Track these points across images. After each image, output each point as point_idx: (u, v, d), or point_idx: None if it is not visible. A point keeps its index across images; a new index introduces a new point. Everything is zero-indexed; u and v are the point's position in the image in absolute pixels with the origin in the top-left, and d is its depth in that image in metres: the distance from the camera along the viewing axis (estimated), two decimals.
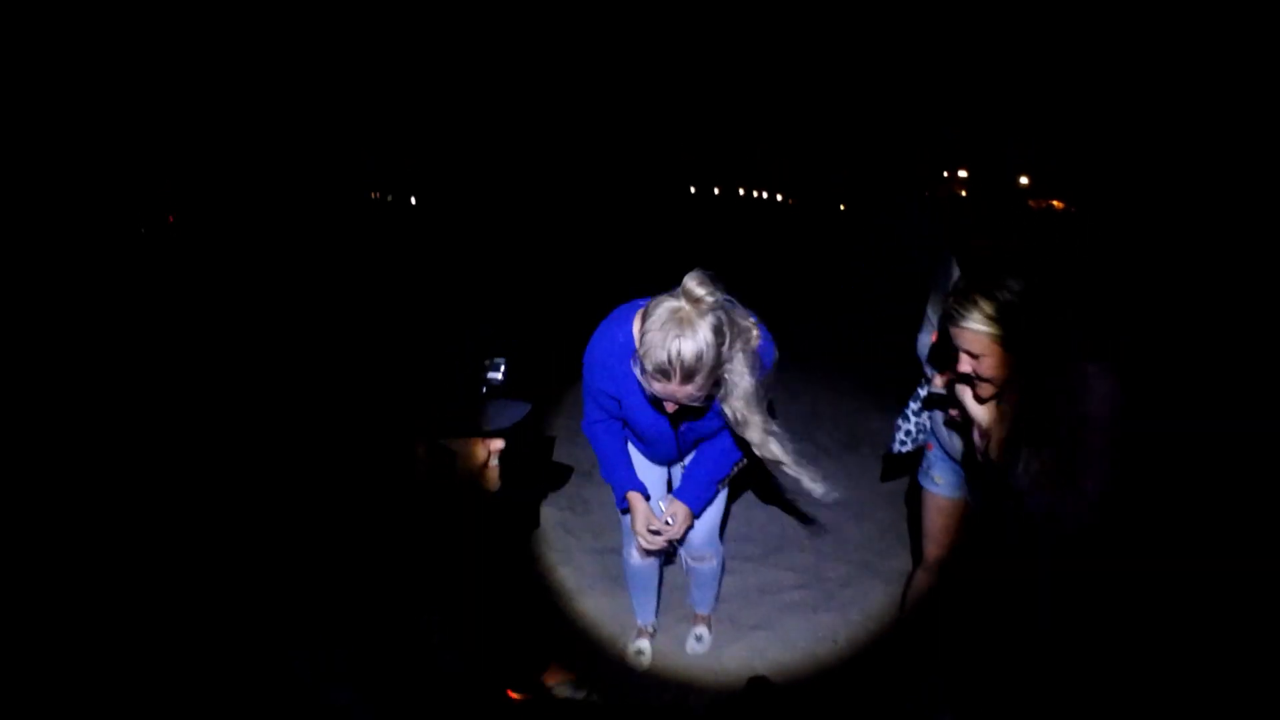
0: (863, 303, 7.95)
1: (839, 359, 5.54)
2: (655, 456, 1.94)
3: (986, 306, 1.40)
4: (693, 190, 45.48)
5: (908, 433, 2.08)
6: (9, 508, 2.74)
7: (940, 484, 1.99)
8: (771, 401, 1.55)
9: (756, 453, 1.55)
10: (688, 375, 1.31)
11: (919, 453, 2.12)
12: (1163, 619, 2.35)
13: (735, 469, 1.89)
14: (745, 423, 1.48)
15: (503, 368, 1.28)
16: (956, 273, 1.87)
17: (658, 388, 1.37)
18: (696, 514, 1.88)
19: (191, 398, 4.15)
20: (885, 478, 3.45)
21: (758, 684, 2.24)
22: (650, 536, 1.83)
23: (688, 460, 1.92)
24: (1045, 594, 1.89)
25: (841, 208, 34.45)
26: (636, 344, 1.37)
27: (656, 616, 2.38)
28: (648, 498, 1.87)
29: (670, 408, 1.48)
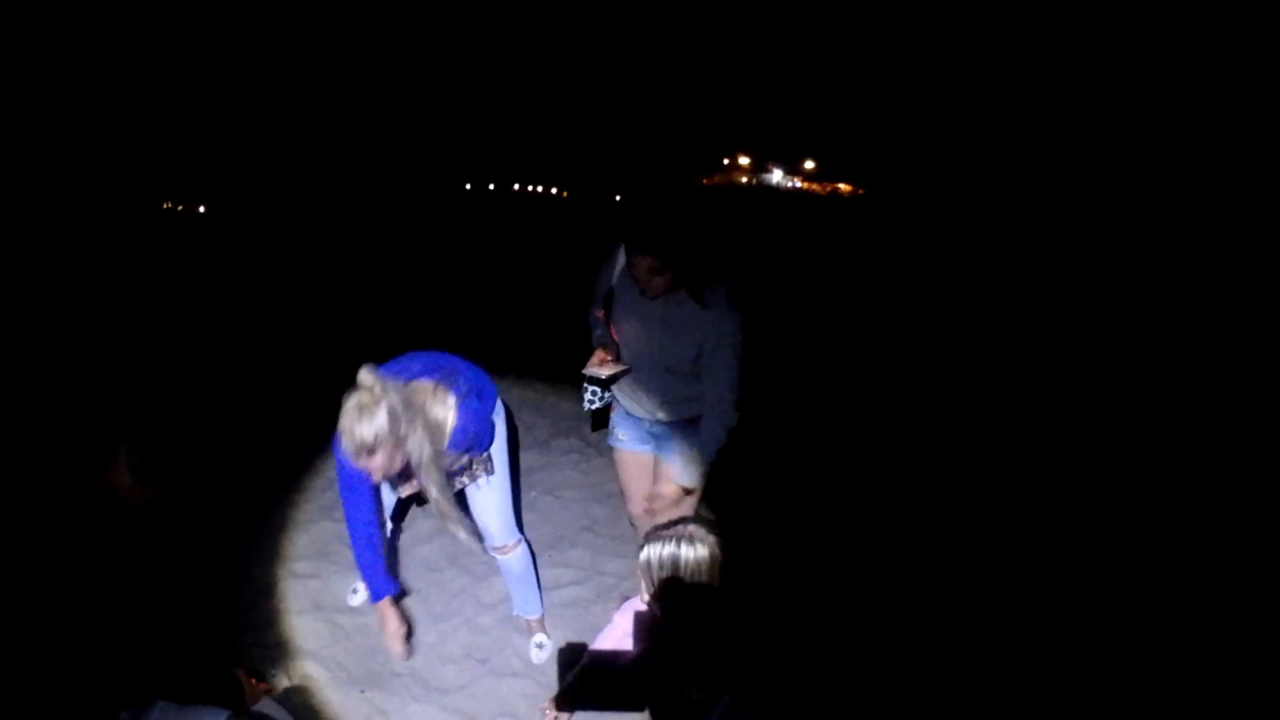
0: None
1: None
2: None
3: None
4: (468, 186, 44.48)
5: (594, 392, 2.34)
6: None
7: (625, 439, 2.30)
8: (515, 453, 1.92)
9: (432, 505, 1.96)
10: (370, 450, 1.71)
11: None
12: None
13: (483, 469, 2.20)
14: (425, 484, 1.89)
15: None
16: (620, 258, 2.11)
17: (358, 464, 1.76)
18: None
19: None
20: None
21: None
22: (399, 645, 2.14)
23: None
24: None
25: (618, 199, 35.40)
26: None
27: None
28: (398, 597, 2.18)
29: (376, 478, 1.84)
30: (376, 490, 2.12)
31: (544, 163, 51.31)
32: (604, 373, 2.12)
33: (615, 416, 2.39)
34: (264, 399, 4.56)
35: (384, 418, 1.70)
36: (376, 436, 1.70)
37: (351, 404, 1.71)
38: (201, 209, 24.64)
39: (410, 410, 1.78)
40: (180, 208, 24.98)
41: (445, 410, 1.92)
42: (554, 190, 48.63)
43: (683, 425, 2.21)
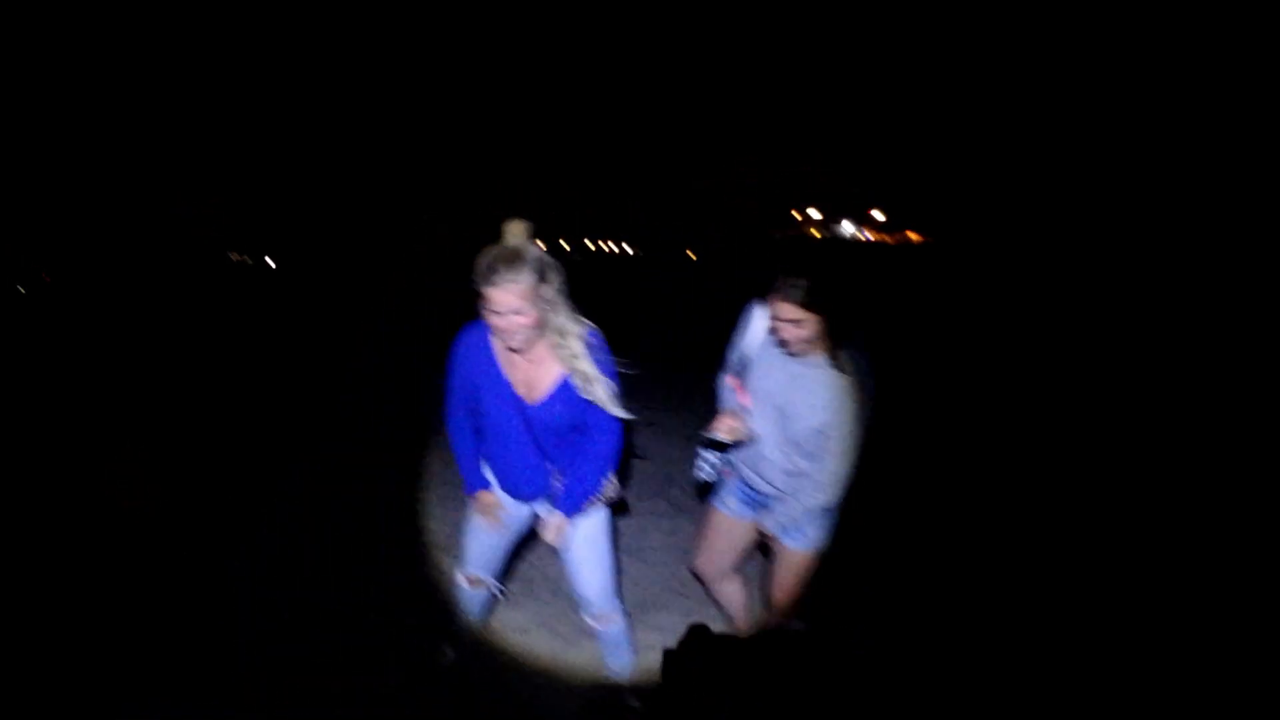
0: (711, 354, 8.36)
1: (686, 415, 5.67)
2: (514, 480, 2.12)
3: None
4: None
5: (711, 464, 2.30)
6: None
7: (730, 505, 2.25)
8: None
9: (583, 387, 1.90)
10: (513, 279, 1.71)
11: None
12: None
13: (608, 492, 2.13)
14: (565, 333, 1.86)
15: None
16: (757, 320, 2.10)
17: (487, 296, 1.73)
18: (569, 515, 2.08)
19: None
20: None
21: None
22: (494, 518, 2.15)
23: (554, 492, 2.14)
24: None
25: (691, 255, 35.79)
26: None
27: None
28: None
29: (505, 326, 1.77)
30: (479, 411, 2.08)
31: (614, 220, 52.57)
32: (727, 437, 2.10)
33: (729, 482, 2.36)
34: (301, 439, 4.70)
35: (535, 253, 1.76)
36: (520, 272, 1.72)
37: (499, 243, 1.78)
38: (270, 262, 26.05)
39: (553, 269, 1.81)
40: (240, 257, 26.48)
41: (578, 319, 1.93)
42: (627, 248, 49.66)
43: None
